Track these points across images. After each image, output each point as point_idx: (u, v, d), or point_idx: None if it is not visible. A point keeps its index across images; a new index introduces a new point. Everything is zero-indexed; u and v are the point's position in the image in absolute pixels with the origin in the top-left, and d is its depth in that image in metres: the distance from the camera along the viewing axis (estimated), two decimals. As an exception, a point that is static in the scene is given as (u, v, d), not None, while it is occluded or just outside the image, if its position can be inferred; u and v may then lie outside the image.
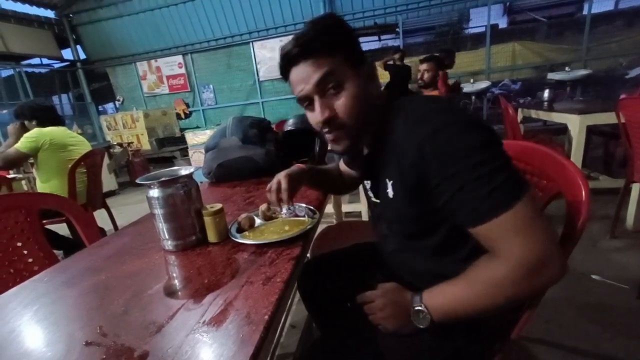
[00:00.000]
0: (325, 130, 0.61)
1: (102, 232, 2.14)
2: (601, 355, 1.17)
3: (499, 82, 5.87)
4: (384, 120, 0.61)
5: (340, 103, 0.58)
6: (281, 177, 0.76)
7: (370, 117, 0.61)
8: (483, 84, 5.10)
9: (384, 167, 0.62)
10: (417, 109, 0.56)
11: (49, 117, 2.07)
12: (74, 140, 2.11)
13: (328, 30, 0.57)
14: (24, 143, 1.90)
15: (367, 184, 0.72)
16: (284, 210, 0.81)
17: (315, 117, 0.60)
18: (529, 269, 0.48)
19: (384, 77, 4.37)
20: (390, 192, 0.61)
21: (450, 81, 3.44)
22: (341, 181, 0.97)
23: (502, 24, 7.51)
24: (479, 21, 6.11)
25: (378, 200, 0.68)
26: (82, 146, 2.14)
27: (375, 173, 0.66)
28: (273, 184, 0.76)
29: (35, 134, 1.92)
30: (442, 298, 0.56)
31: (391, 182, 0.60)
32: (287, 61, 0.60)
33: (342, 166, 0.97)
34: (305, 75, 0.58)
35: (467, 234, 0.53)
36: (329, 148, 0.65)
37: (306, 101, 0.61)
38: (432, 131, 0.50)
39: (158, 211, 0.72)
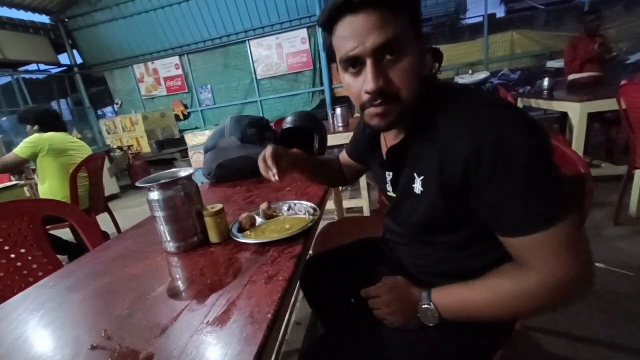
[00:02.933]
0: (374, 102, 0.52)
1: (105, 235, 2.15)
2: (608, 343, 1.17)
3: (497, 72, 5.82)
4: (424, 108, 0.54)
5: (398, 73, 0.50)
6: (267, 149, 0.74)
7: (416, 98, 0.53)
8: (482, 75, 5.05)
9: (415, 161, 0.57)
10: (472, 103, 0.50)
11: (52, 122, 2.08)
12: (73, 145, 2.11)
13: None
14: (22, 148, 1.91)
15: (389, 175, 0.66)
16: (274, 178, 0.72)
17: (364, 84, 0.51)
18: (560, 288, 0.47)
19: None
20: (417, 187, 0.57)
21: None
22: (339, 173, 0.96)
23: (500, 13, 7.45)
24: (476, 11, 6.04)
25: (395, 195, 0.65)
26: (82, 151, 2.15)
27: (400, 165, 0.61)
28: (261, 154, 0.74)
29: (34, 140, 1.93)
30: (454, 299, 0.55)
31: (421, 177, 0.56)
32: (344, 5, 0.48)
33: (343, 157, 0.95)
34: (364, 31, 0.48)
35: (491, 234, 0.51)
36: (368, 122, 0.56)
37: (353, 63, 0.51)
38: (494, 130, 0.45)
39: (159, 213, 0.72)
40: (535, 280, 0.48)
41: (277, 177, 0.70)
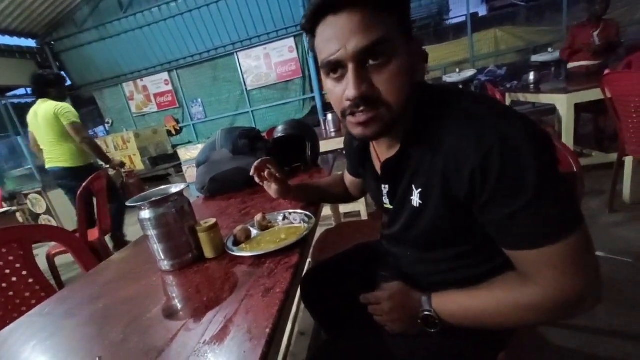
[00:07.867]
0: (356, 109, 0.48)
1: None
2: (614, 332, 1.17)
3: (484, 68, 5.91)
4: (420, 114, 0.51)
5: (385, 79, 0.46)
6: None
7: (408, 105, 0.50)
8: (469, 73, 5.12)
9: (415, 171, 0.53)
10: (479, 111, 0.46)
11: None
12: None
13: None
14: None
15: (385, 188, 0.63)
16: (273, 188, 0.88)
17: (346, 91, 0.47)
18: (566, 303, 0.46)
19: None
20: (415, 200, 0.54)
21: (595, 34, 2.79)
22: (341, 194, 0.97)
23: (482, 11, 7.58)
24: (458, 11, 6.17)
25: (391, 207, 0.62)
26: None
27: (397, 177, 0.57)
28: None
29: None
30: (455, 307, 0.54)
31: (419, 190, 0.53)
32: (324, 5, 0.45)
33: (346, 177, 0.94)
34: (346, 33, 0.44)
35: (495, 246, 0.50)
36: (350, 131, 0.53)
37: (334, 68, 0.48)
38: (502, 142, 0.42)
39: (151, 232, 0.71)
40: (541, 296, 0.46)
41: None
